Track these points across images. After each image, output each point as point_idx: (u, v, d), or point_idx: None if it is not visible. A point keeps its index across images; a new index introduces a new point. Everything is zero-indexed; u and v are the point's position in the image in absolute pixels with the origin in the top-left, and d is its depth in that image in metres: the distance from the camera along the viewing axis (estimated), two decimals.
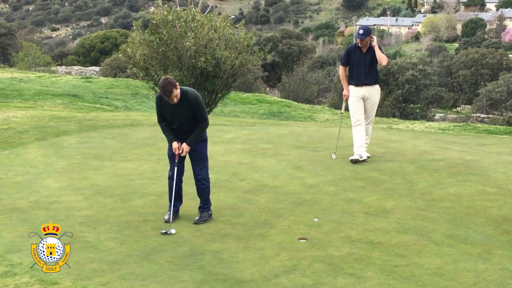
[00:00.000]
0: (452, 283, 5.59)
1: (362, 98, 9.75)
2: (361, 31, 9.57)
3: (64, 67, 54.83)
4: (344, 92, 9.92)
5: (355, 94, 9.74)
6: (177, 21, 19.88)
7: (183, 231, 6.98)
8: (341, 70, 9.99)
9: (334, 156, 10.07)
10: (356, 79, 9.72)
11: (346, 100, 9.92)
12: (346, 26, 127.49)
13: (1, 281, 5.72)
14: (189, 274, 5.82)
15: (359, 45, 9.64)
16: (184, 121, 7.23)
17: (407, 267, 5.92)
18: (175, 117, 7.23)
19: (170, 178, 7.40)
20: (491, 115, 43.20)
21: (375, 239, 6.65)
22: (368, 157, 9.89)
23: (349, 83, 9.83)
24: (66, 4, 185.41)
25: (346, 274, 5.78)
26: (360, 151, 9.72)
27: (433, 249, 6.36)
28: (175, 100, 7.05)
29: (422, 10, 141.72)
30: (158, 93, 7.35)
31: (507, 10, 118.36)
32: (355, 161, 9.65)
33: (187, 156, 7.39)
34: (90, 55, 68.43)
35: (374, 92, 9.82)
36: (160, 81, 7.07)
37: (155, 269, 5.96)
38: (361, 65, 9.65)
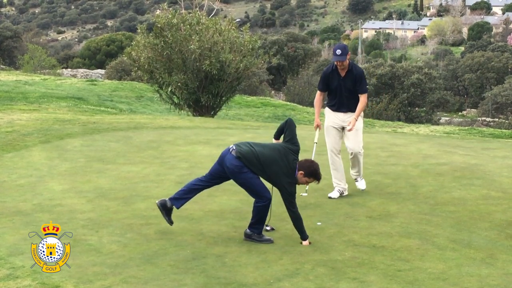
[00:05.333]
0: (456, 287, 5.56)
1: (341, 124, 8.42)
2: (338, 51, 7.97)
3: (69, 69, 55.00)
4: (314, 123, 8.49)
5: (332, 119, 8.46)
6: (182, 24, 19.96)
7: (185, 235, 6.96)
8: (316, 96, 8.52)
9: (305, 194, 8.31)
10: (337, 106, 8.40)
11: (318, 129, 8.45)
12: (352, 30, 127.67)
13: (3, 284, 5.72)
14: (191, 278, 5.80)
15: (339, 67, 8.17)
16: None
17: (410, 271, 5.90)
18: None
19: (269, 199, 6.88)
20: (497, 119, 43.08)
21: (379, 243, 6.62)
22: (362, 190, 8.60)
23: (328, 106, 8.54)
24: (72, 7, 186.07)
25: (349, 278, 5.76)
26: (340, 186, 8.43)
27: (437, 253, 6.34)
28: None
29: (428, 14, 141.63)
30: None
31: None
32: (335, 198, 8.31)
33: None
34: (95, 58, 68.62)
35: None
36: None
37: (158, 272, 5.94)
38: (341, 91, 8.27)
